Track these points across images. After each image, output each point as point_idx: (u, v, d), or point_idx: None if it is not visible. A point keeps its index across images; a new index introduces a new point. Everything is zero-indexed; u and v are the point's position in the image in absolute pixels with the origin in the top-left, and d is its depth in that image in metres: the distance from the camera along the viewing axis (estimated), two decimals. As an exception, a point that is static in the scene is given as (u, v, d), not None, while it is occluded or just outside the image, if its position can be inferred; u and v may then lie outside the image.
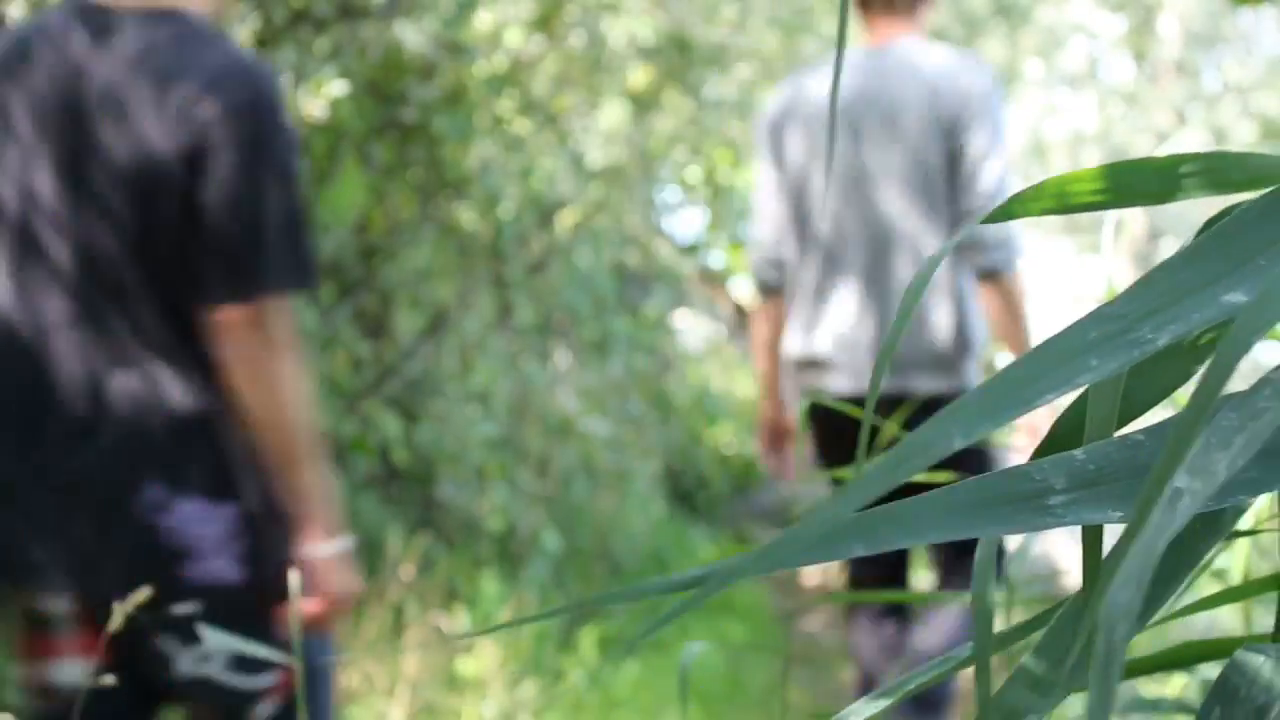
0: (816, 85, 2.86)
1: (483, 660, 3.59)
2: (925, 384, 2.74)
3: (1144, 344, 0.34)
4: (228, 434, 1.80)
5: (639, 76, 5.49)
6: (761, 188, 2.93)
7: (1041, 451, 0.42)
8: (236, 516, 1.80)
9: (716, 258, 8.02)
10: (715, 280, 7.75)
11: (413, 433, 4.03)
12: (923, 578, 4.06)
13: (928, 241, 2.74)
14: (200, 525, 1.79)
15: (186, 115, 1.75)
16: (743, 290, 8.49)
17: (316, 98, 3.47)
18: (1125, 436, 0.38)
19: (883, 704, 0.42)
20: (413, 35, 3.68)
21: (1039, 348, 0.34)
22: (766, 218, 2.91)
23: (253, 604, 1.81)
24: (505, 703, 3.50)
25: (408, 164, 4.01)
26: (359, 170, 3.68)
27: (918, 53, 2.76)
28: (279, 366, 1.78)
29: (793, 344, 2.88)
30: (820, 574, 5.95)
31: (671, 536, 5.79)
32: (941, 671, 0.44)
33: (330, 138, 3.67)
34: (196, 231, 1.76)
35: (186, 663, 1.80)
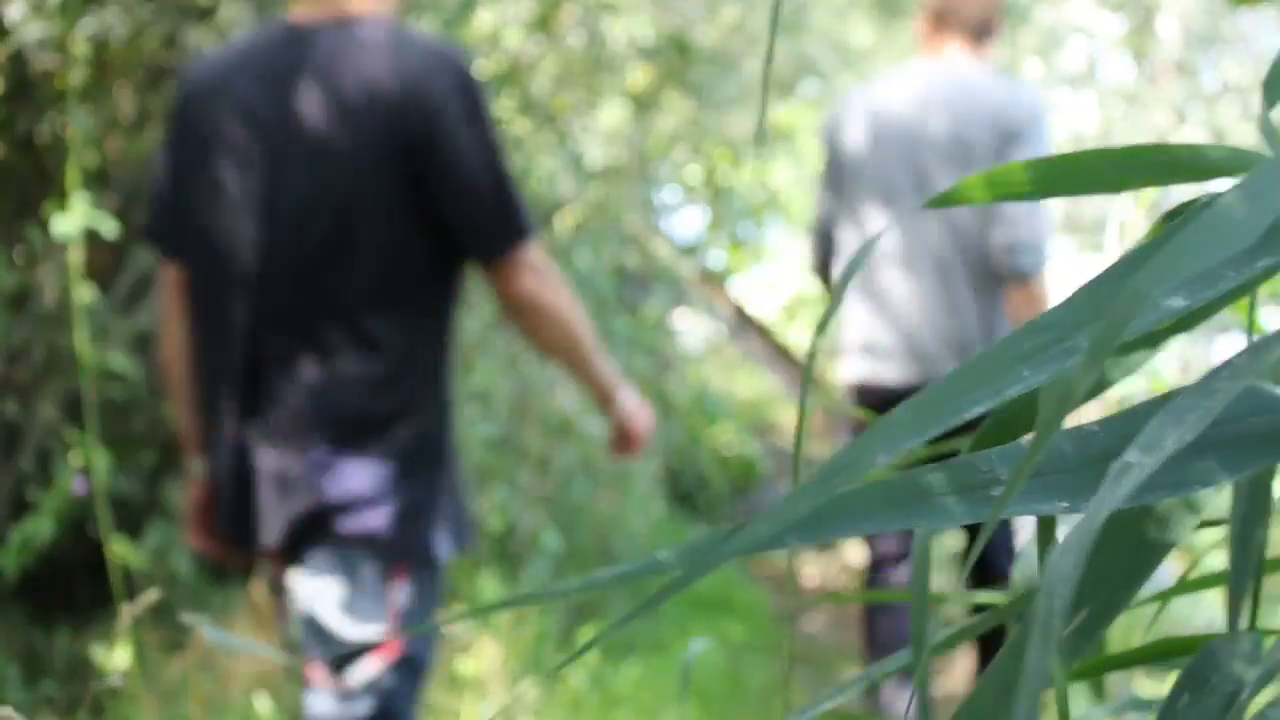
0: (880, 93, 3.01)
1: (483, 660, 3.59)
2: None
3: (1077, 353, 0.34)
4: (396, 404, 1.91)
5: (639, 76, 5.50)
6: (818, 184, 3.12)
7: (982, 442, 0.42)
8: (391, 478, 1.90)
9: (716, 258, 8.02)
10: (715, 280, 7.74)
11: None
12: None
13: (970, 245, 2.88)
14: (355, 482, 1.89)
15: (405, 107, 1.87)
16: (742, 290, 8.49)
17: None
18: (1076, 427, 0.39)
19: (848, 694, 0.43)
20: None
21: (972, 362, 0.35)
22: (819, 213, 3.10)
23: (386, 563, 1.90)
24: (505, 703, 3.51)
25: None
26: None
27: (974, 74, 2.92)
28: (553, 295, 1.96)
29: (845, 337, 3.05)
30: (817, 572, 5.95)
31: (671, 536, 5.79)
32: (896, 668, 0.44)
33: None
34: (427, 207, 1.90)
35: (303, 598, 1.91)
